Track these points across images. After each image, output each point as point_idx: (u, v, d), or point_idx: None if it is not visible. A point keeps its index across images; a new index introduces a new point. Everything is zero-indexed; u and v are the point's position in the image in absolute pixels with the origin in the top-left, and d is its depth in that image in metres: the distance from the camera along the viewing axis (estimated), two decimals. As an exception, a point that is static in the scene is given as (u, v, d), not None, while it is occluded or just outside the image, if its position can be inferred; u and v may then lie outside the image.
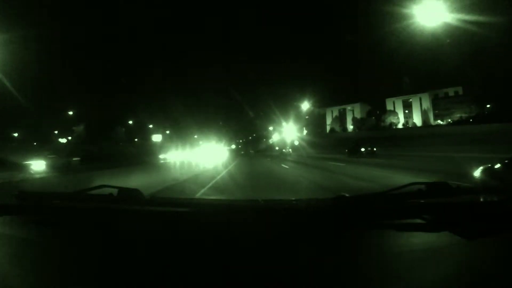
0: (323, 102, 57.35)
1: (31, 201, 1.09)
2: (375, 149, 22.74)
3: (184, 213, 0.99)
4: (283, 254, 0.80)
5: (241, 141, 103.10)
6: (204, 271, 0.72)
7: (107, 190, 1.06)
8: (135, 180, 7.93)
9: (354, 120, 54.24)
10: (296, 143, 40.22)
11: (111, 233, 0.92)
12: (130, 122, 49.32)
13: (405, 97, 53.29)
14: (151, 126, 49.37)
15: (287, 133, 53.95)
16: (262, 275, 0.70)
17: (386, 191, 0.93)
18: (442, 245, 0.82)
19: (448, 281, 0.68)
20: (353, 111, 56.59)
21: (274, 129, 64.89)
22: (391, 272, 0.71)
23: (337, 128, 55.26)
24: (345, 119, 58.96)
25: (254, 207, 0.99)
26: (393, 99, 54.85)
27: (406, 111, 53.29)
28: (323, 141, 43.45)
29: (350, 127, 53.74)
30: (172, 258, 0.80)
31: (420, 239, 0.86)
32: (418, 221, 0.91)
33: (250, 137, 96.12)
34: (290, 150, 43.28)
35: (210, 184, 7.13)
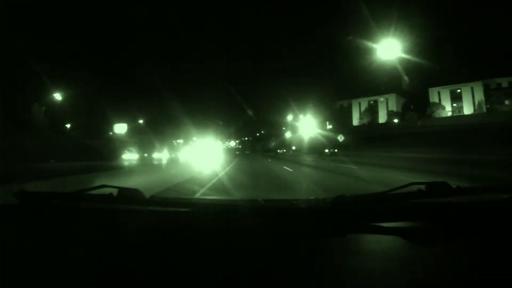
0: (347, 93, 46.38)
1: (30, 201, 1.16)
2: (336, 150, 30.11)
3: (184, 213, 1.06)
4: (283, 254, 0.81)
5: (246, 139, 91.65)
6: (204, 271, 0.74)
7: (107, 190, 1.13)
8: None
9: (390, 114, 42.73)
10: (342, 138, 29.96)
11: (111, 233, 0.99)
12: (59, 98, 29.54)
13: (453, 87, 47.08)
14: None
15: (305, 129, 49.19)
16: (262, 274, 0.72)
17: (386, 191, 1.01)
18: (442, 245, 0.83)
19: (448, 280, 0.70)
20: (387, 102, 45.17)
21: (287, 126, 54.25)
22: (391, 272, 0.73)
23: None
24: (377, 112, 53.38)
25: (254, 207, 1.06)
26: (437, 88, 48.48)
27: (454, 104, 47.34)
28: (350, 138, 37.36)
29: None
30: (172, 258, 0.81)
31: (420, 239, 0.86)
32: (418, 220, 0.95)
33: (258, 134, 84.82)
34: (284, 150, 51.04)
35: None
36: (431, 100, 47.58)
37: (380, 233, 0.89)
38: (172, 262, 0.78)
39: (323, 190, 6.25)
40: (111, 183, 1.15)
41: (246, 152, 61.83)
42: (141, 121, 42.37)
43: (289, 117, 54.81)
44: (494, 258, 0.75)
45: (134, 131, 38.27)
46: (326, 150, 30.62)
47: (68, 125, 30.22)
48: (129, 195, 1.10)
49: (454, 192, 0.97)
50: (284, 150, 51.17)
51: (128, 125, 39.75)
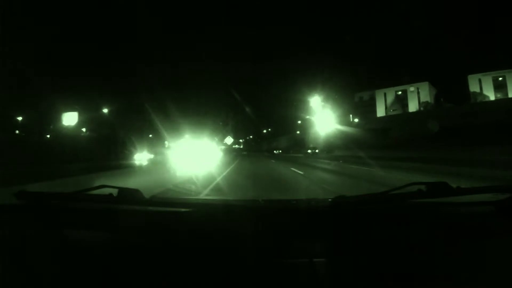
0: (367, 84, 40.10)
1: (30, 201, 1.21)
2: (317, 150, 34.98)
3: (185, 213, 1.10)
4: (283, 254, 0.86)
5: (250, 137, 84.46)
6: (204, 271, 0.78)
7: (107, 190, 1.18)
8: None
9: (425, 105, 36.16)
10: (436, 128, 23.99)
11: (111, 233, 1.04)
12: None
13: (496, 74, 40.79)
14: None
15: (322, 125, 43.93)
16: (263, 274, 0.76)
17: (386, 191, 1.06)
18: (442, 245, 0.89)
19: (448, 281, 0.72)
20: (418, 92, 38.46)
21: (302, 121, 48.71)
22: (391, 271, 0.76)
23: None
24: (407, 104, 47.41)
25: (254, 207, 1.10)
26: (478, 76, 42.06)
27: (498, 95, 40.83)
28: (372, 135, 32.87)
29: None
30: (172, 258, 0.86)
31: (420, 239, 0.92)
32: (418, 220, 1.00)
33: (265, 131, 77.66)
34: (280, 151, 52.63)
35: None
36: (471, 89, 41.61)
37: (380, 233, 0.94)
38: (173, 262, 0.83)
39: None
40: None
41: (243, 153, 60.91)
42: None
43: (302, 112, 48.34)
44: (494, 258, 0.80)
45: (93, 123, 29.06)
46: (309, 151, 35.02)
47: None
48: (129, 195, 1.14)
49: (454, 192, 1.02)
50: (280, 151, 54.19)
51: (81, 115, 30.28)
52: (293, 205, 1.09)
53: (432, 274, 0.73)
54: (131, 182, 7.22)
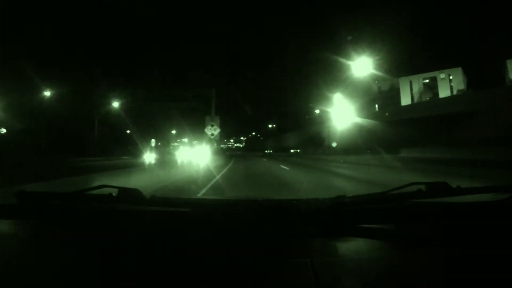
0: (391, 69, 35.40)
1: (30, 201, 1.26)
2: (298, 150, 45.31)
3: (185, 213, 1.15)
4: (283, 254, 0.91)
5: (253, 134, 78.78)
6: (204, 271, 0.80)
7: (107, 190, 1.21)
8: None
9: (462, 94, 31.40)
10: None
11: (111, 233, 1.08)
12: None
13: None
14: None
15: (339, 118, 38.73)
16: (262, 274, 0.78)
17: (386, 191, 1.11)
18: (442, 245, 0.92)
19: (448, 281, 0.73)
20: (449, 79, 33.27)
21: (314, 116, 52.82)
22: (392, 271, 0.78)
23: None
24: (437, 93, 42.53)
25: (254, 207, 1.15)
26: None
27: None
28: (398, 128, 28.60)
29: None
30: (172, 258, 0.91)
31: (420, 239, 0.96)
32: (418, 221, 1.04)
33: (270, 126, 72.07)
34: (271, 151, 54.23)
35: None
36: (511, 76, 36.60)
37: (380, 233, 0.98)
38: (173, 262, 0.86)
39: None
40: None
41: (237, 153, 61.75)
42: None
43: (315, 104, 43.14)
44: (494, 259, 0.82)
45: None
46: (292, 151, 41.33)
47: None
48: (129, 195, 1.16)
49: (454, 192, 1.04)
50: (271, 151, 55.03)
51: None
52: (293, 205, 1.11)
53: (432, 274, 0.74)
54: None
